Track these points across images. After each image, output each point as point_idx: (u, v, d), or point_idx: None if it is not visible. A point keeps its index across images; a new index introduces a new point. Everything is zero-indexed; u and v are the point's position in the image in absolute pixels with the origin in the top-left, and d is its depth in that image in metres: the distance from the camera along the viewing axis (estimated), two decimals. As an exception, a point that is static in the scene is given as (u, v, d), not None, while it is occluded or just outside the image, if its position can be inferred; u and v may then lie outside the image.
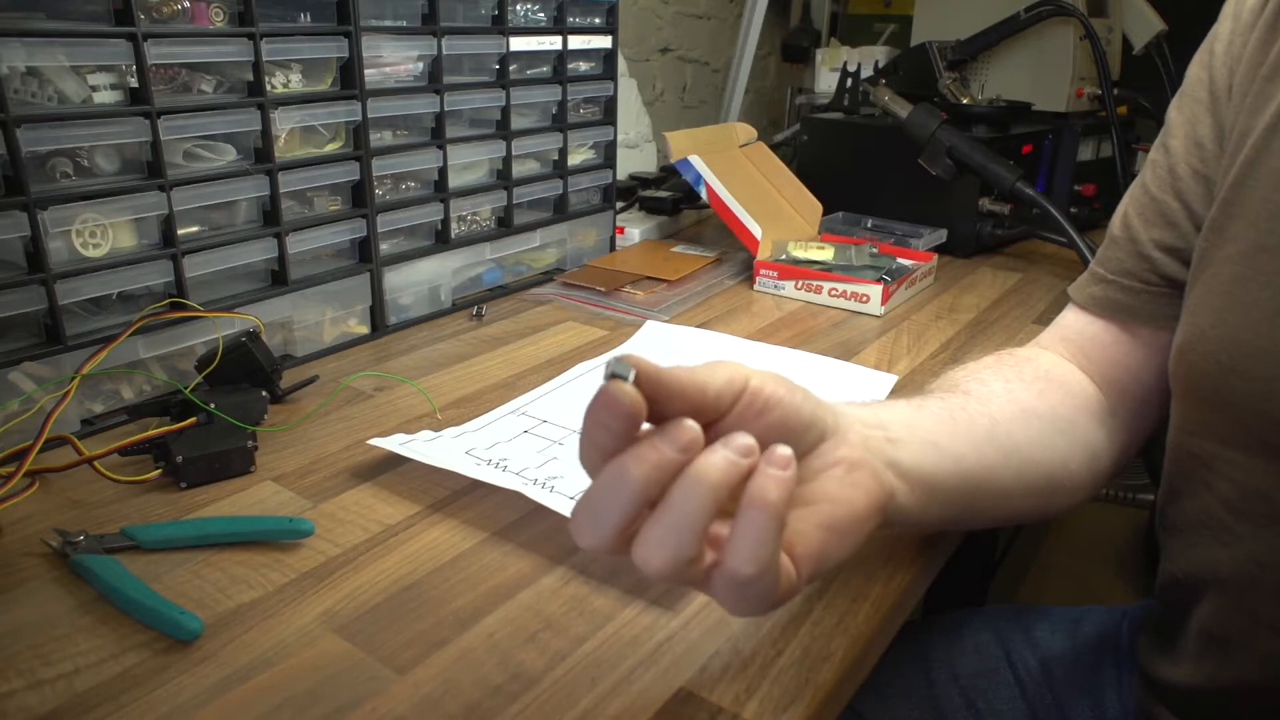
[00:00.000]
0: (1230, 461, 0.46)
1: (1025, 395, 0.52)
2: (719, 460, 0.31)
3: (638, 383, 0.31)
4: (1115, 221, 0.56)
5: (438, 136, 0.82)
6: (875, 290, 0.87)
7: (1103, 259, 0.56)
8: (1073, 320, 0.58)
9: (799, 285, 0.93)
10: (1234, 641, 0.48)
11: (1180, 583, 0.52)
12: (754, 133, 1.15)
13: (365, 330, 0.80)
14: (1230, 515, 0.47)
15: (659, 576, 0.31)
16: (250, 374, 0.63)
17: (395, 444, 0.58)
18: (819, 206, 1.09)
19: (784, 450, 0.32)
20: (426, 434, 0.61)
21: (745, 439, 0.32)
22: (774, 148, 1.20)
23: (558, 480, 0.55)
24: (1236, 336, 0.44)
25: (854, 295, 0.89)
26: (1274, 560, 0.45)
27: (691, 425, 0.31)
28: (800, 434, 0.36)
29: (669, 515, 0.31)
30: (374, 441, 0.58)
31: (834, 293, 0.90)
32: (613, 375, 0.31)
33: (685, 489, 0.31)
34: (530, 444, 0.60)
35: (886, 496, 0.39)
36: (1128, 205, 0.55)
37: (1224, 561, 0.48)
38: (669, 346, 0.78)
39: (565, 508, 0.51)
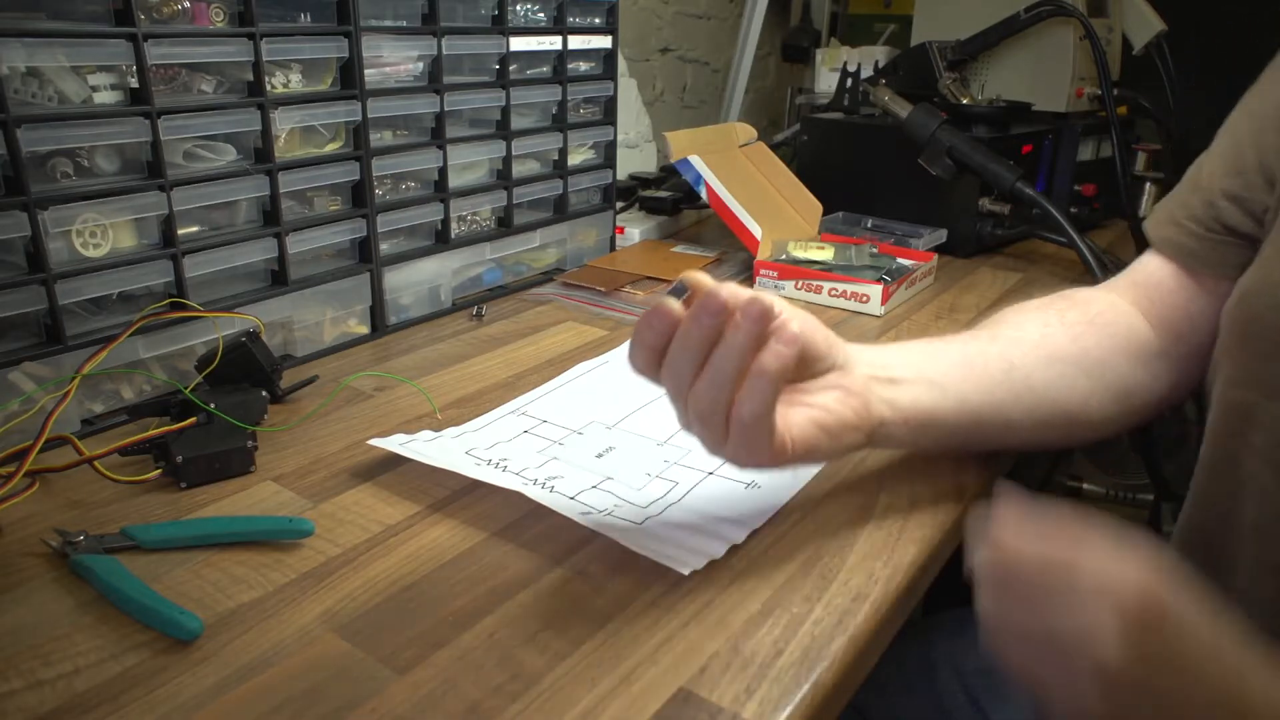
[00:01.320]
0: (1270, 413, 0.48)
1: (1058, 339, 0.57)
2: (746, 327, 0.41)
3: (687, 300, 0.43)
4: (1193, 168, 0.58)
5: (438, 136, 0.82)
6: (875, 290, 0.87)
7: (1180, 203, 0.58)
8: (1145, 262, 0.61)
9: (799, 285, 0.93)
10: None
11: (1192, 539, 0.53)
12: (754, 133, 1.15)
13: (365, 330, 0.80)
14: (1263, 466, 0.49)
15: (702, 418, 0.42)
16: (250, 374, 0.63)
17: (395, 444, 0.58)
18: (819, 206, 1.09)
19: (792, 330, 0.42)
20: (426, 434, 0.61)
21: (765, 304, 0.41)
22: (774, 148, 1.20)
23: (558, 480, 0.55)
24: None
25: (854, 295, 0.89)
26: None
27: (723, 307, 0.41)
28: (813, 363, 0.48)
29: (711, 369, 0.41)
30: (374, 442, 0.58)
31: (834, 293, 0.90)
32: (672, 292, 0.43)
33: (723, 351, 0.41)
34: (530, 444, 0.60)
35: (874, 423, 0.49)
36: (1206, 154, 0.57)
37: (1247, 512, 0.49)
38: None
39: (565, 508, 0.51)
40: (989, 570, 0.38)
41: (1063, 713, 0.38)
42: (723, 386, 0.41)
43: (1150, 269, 0.60)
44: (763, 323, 0.41)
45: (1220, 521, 0.52)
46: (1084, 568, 0.36)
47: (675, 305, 0.42)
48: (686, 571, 0.46)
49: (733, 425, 0.42)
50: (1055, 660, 0.36)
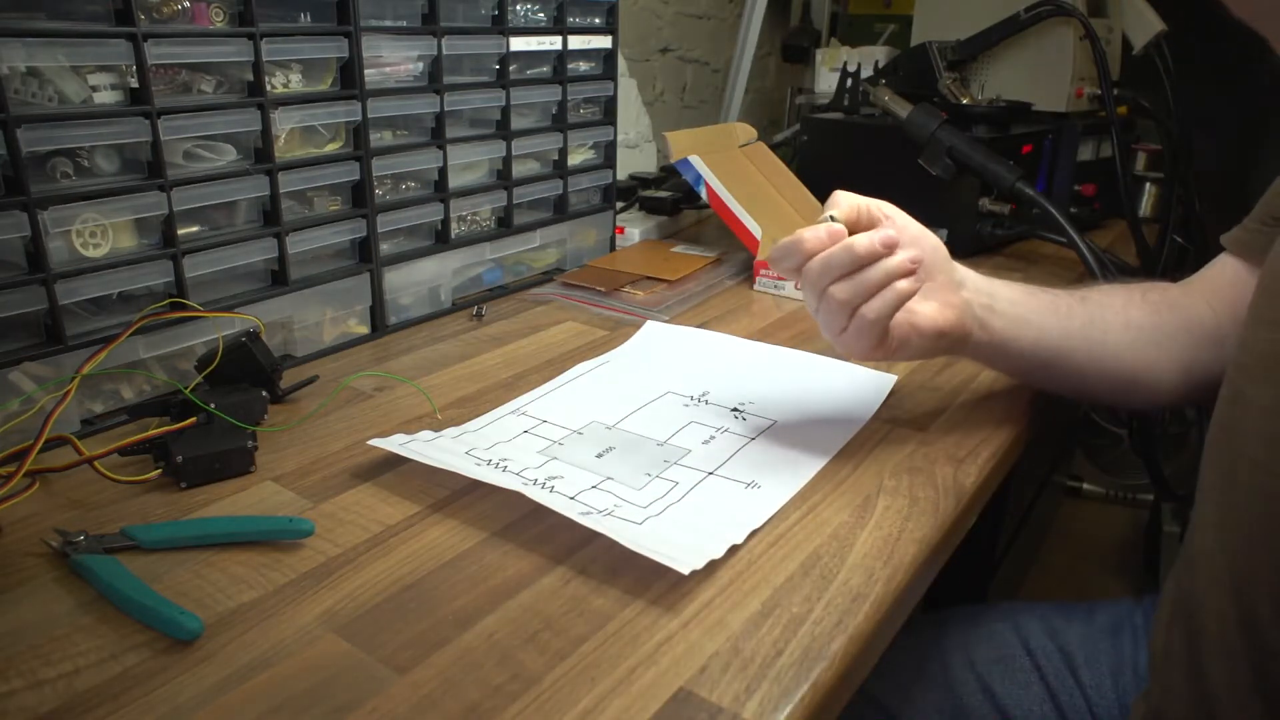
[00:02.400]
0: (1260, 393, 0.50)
1: (1136, 312, 0.64)
2: (895, 263, 0.54)
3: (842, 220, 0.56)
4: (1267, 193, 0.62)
5: (438, 136, 0.82)
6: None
7: (1253, 213, 0.63)
8: (1215, 261, 0.66)
9: (797, 284, 0.93)
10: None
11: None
12: (754, 133, 1.15)
13: (365, 330, 0.80)
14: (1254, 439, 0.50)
15: (834, 309, 0.55)
16: (250, 374, 0.63)
17: (395, 444, 0.58)
18: (819, 207, 1.09)
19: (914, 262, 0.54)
20: (426, 434, 0.61)
21: (906, 257, 0.54)
22: (774, 148, 1.20)
23: (558, 480, 0.55)
24: None
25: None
26: None
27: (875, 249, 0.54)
28: (933, 274, 0.58)
29: (859, 276, 0.54)
30: (374, 442, 0.58)
31: (833, 292, 0.90)
32: (829, 218, 0.56)
33: (875, 268, 0.53)
34: (530, 444, 0.60)
35: (964, 332, 0.59)
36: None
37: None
38: (669, 346, 0.78)
39: (565, 507, 0.51)
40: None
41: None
42: (860, 291, 0.53)
43: (1218, 266, 0.66)
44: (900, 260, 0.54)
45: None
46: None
47: (835, 224, 0.55)
48: (686, 571, 0.46)
49: (855, 319, 0.54)
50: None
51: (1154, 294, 0.66)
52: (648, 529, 0.50)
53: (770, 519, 0.52)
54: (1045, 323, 0.62)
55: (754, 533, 0.51)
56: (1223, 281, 0.65)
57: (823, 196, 1.09)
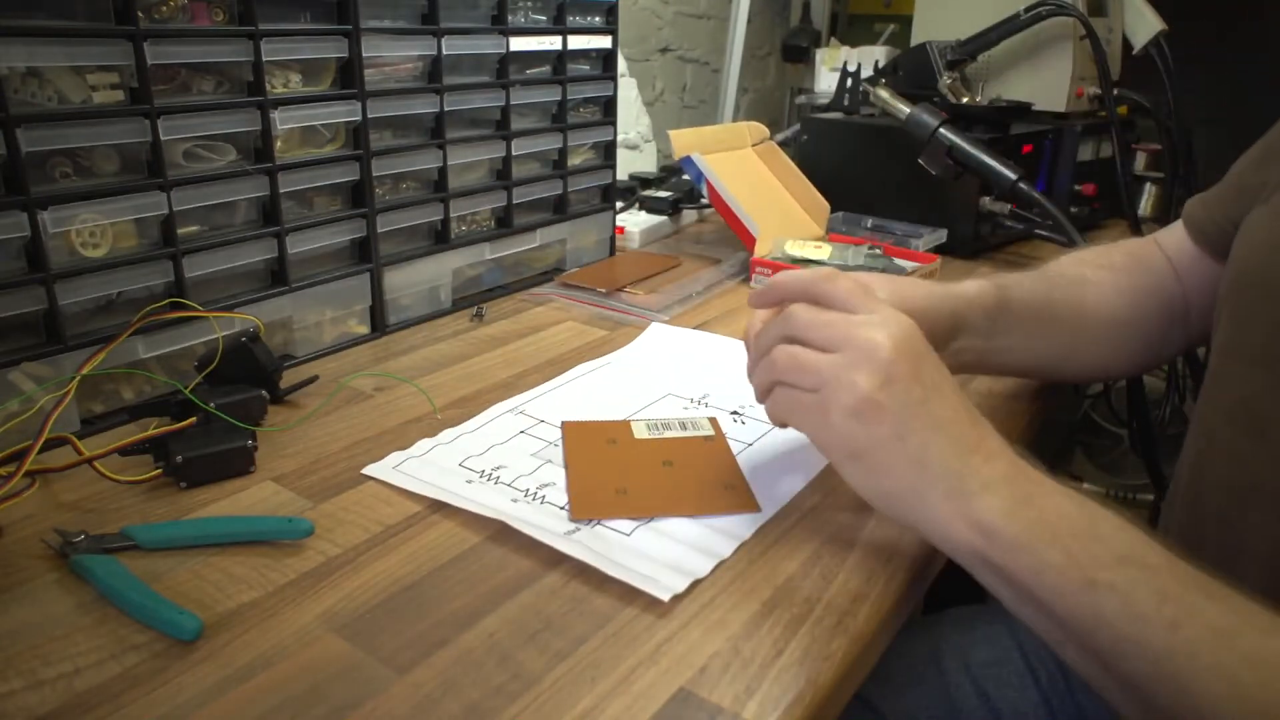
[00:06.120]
0: (1239, 376, 0.51)
1: (1110, 303, 0.65)
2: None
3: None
4: (1235, 166, 0.62)
5: (438, 136, 0.82)
6: (871, 290, 0.87)
7: (1214, 191, 0.63)
8: (1176, 232, 0.67)
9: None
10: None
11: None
12: (766, 132, 1.16)
13: (365, 330, 0.80)
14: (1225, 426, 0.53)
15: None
16: (250, 374, 0.63)
17: (388, 469, 0.57)
18: (826, 206, 1.09)
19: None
20: (423, 444, 0.60)
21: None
22: (774, 148, 1.20)
23: (549, 488, 0.55)
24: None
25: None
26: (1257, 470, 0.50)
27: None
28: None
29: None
30: (367, 471, 0.57)
31: (828, 292, 0.90)
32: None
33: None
34: (526, 445, 0.60)
35: None
36: (1245, 156, 0.61)
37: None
38: (671, 348, 0.78)
39: (552, 526, 0.50)
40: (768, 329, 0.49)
41: (826, 442, 0.46)
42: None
43: (1181, 238, 0.66)
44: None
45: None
46: (849, 318, 0.45)
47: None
48: (666, 598, 0.44)
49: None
50: (818, 395, 0.45)
51: (1136, 279, 0.66)
52: (636, 538, 0.50)
53: (770, 519, 0.52)
54: (1034, 347, 0.63)
55: (754, 533, 0.51)
56: (1186, 256, 0.65)
57: (823, 196, 1.10)
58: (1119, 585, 0.38)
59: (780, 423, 0.49)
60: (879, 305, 0.46)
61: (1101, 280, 0.66)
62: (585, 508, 0.52)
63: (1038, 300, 0.63)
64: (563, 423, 0.63)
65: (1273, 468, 0.48)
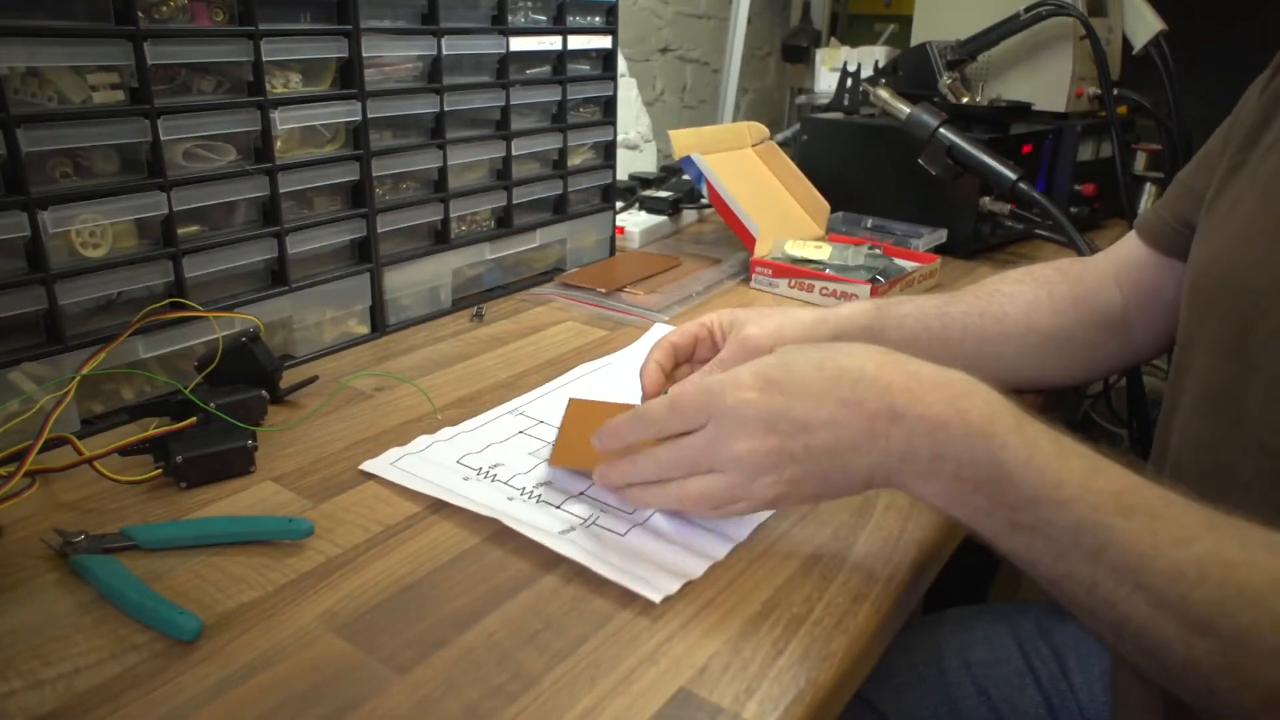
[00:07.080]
0: (1201, 363, 0.52)
1: (1041, 315, 0.65)
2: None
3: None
4: (1184, 170, 0.62)
5: (438, 136, 0.82)
6: (863, 290, 0.87)
7: (1164, 199, 0.64)
8: (1127, 241, 0.67)
9: (792, 284, 0.93)
10: None
11: None
12: (766, 132, 1.16)
13: (365, 330, 0.80)
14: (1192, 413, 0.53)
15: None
16: (250, 374, 0.63)
17: (385, 465, 0.57)
18: (827, 206, 1.09)
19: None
20: (422, 440, 0.60)
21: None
22: (774, 148, 1.20)
23: (545, 488, 0.55)
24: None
25: (844, 295, 0.89)
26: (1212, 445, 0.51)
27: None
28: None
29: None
30: (365, 466, 0.57)
31: (825, 291, 0.90)
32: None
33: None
34: (524, 445, 0.60)
35: None
36: (1193, 160, 0.61)
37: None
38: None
39: (547, 526, 0.50)
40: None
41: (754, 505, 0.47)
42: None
43: (1129, 245, 0.66)
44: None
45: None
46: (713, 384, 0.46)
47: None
48: (658, 599, 0.45)
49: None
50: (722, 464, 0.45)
51: (1062, 288, 0.66)
52: (631, 539, 0.50)
53: (770, 519, 0.52)
54: (935, 358, 0.61)
55: (753, 533, 0.51)
56: (1133, 264, 0.65)
57: (823, 197, 1.10)
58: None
59: (713, 515, 0.50)
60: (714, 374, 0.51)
61: (1017, 292, 0.66)
62: (564, 457, 0.54)
63: (927, 314, 0.64)
64: (570, 398, 0.63)
65: (1244, 457, 0.48)
